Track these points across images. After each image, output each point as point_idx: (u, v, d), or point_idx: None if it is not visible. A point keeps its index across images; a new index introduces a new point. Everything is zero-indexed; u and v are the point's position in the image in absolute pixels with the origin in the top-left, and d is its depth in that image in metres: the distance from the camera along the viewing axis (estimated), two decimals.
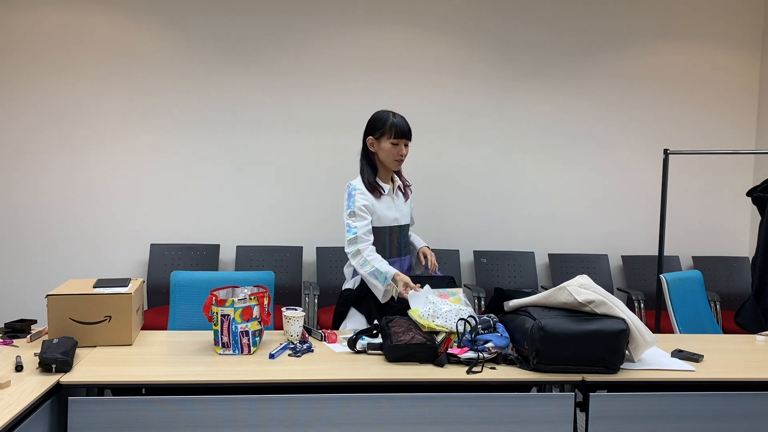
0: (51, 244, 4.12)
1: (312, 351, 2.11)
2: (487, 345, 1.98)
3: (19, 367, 1.82)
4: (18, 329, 2.19)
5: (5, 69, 4.03)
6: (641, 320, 2.32)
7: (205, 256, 4.15)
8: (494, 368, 1.95)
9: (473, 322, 2.03)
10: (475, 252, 4.39)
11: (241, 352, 2.04)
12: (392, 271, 2.32)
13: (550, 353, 1.88)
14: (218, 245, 4.20)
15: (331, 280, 4.13)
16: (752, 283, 3.29)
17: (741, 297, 4.28)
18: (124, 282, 2.20)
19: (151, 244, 4.13)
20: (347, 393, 1.82)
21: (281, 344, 2.15)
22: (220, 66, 4.19)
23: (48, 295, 2.03)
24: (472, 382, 1.89)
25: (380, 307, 2.39)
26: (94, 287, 2.12)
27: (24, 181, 4.09)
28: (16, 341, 2.12)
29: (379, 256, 2.37)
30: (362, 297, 2.43)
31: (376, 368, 1.93)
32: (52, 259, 4.12)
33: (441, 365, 1.95)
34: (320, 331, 2.25)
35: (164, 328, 2.79)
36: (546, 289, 2.08)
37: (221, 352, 2.04)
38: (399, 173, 2.59)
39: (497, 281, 4.30)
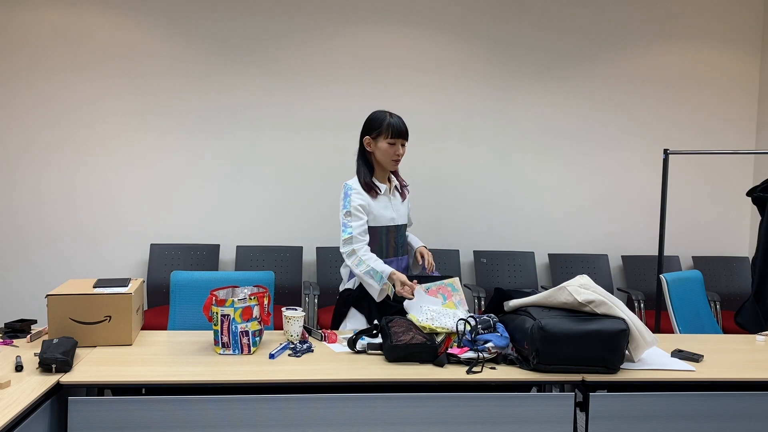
0: (51, 244, 4.12)
1: (312, 351, 2.11)
2: (487, 345, 1.98)
3: (19, 367, 1.82)
4: (18, 329, 2.19)
5: (5, 69, 4.03)
6: (641, 320, 2.32)
7: (205, 256, 4.15)
8: (494, 368, 1.95)
9: (473, 322, 2.03)
10: (475, 252, 4.39)
11: (241, 352, 2.04)
12: (388, 270, 2.33)
13: (550, 353, 1.88)
14: (218, 245, 4.20)
15: (331, 280, 4.12)
16: (752, 283, 3.29)
17: (741, 297, 4.28)
18: (124, 282, 2.20)
19: (151, 244, 4.13)
20: (347, 393, 1.82)
21: (281, 344, 2.15)
22: (220, 66, 4.19)
23: (48, 295, 2.03)
24: (472, 382, 1.89)
25: (380, 307, 2.39)
26: (94, 287, 2.12)
27: (24, 181, 4.09)
28: (16, 341, 2.12)
29: (374, 256, 2.37)
30: (362, 297, 2.43)
31: (375, 368, 1.93)
32: (52, 259, 4.12)
33: (441, 365, 1.95)
34: (320, 331, 2.25)
35: (164, 328, 2.79)
36: (546, 289, 2.08)
37: (221, 352, 2.04)
38: (396, 173, 2.59)
39: (497, 281, 4.30)
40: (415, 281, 2.29)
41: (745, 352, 2.26)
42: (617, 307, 1.96)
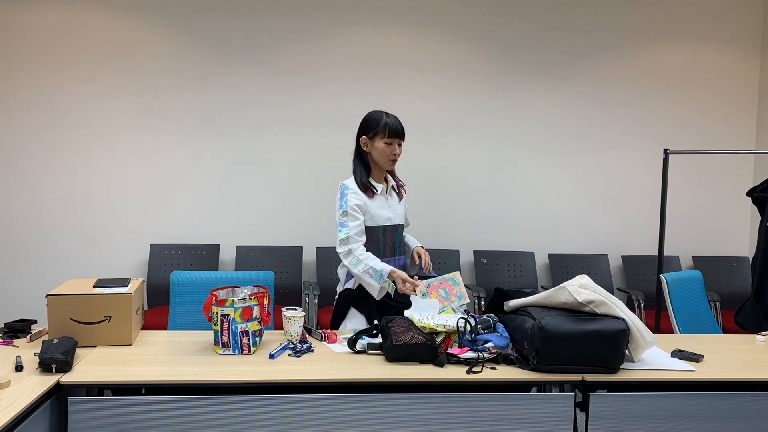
0: (51, 244, 4.12)
1: (312, 351, 2.11)
2: (487, 345, 1.98)
3: (19, 367, 1.82)
4: (18, 329, 2.19)
5: (5, 69, 4.03)
6: (641, 320, 2.32)
7: (205, 256, 4.16)
8: (494, 368, 1.95)
9: (473, 321, 2.03)
10: (475, 252, 4.39)
11: (241, 352, 2.04)
12: (387, 267, 2.34)
13: (550, 353, 1.88)
14: (218, 245, 4.20)
15: (331, 280, 4.12)
16: (752, 283, 3.29)
17: (741, 297, 4.28)
18: (124, 282, 2.20)
19: (151, 244, 4.13)
20: (347, 393, 1.82)
21: (281, 344, 2.15)
22: (220, 66, 4.19)
23: (48, 295, 2.03)
24: (472, 382, 1.89)
25: (380, 307, 2.40)
26: (94, 287, 2.12)
27: (24, 181, 4.09)
28: (16, 341, 2.12)
29: (371, 255, 2.38)
30: (362, 297, 2.43)
31: (375, 368, 1.93)
32: (52, 259, 4.12)
33: (441, 365, 1.95)
34: (320, 331, 2.25)
35: (164, 328, 2.79)
36: (546, 289, 2.08)
37: (221, 352, 2.04)
38: (392, 173, 2.59)
39: (497, 281, 4.30)
40: (416, 277, 2.30)
41: (745, 352, 2.25)
42: (617, 307, 1.96)
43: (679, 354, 2.14)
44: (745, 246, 4.65)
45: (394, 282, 2.34)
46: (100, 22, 4.08)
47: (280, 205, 4.30)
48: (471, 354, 1.96)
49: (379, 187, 2.48)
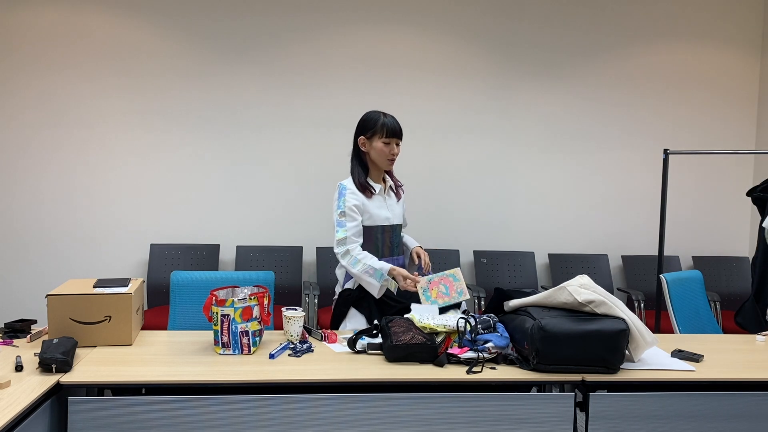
0: (51, 244, 4.12)
1: (312, 351, 2.11)
2: (487, 345, 1.98)
3: (19, 367, 1.82)
4: (18, 329, 2.19)
5: (5, 69, 4.03)
6: (641, 320, 2.32)
7: (205, 256, 4.16)
8: (494, 368, 1.95)
9: (473, 321, 2.03)
10: (475, 252, 4.39)
11: (241, 352, 2.04)
12: (387, 266, 2.34)
13: (550, 353, 1.88)
14: (218, 245, 4.20)
15: (331, 280, 4.12)
16: (752, 283, 3.29)
17: (741, 297, 4.28)
18: (124, 282, 2.20)
19: (151, 244, 4.13)
20: (347, 393, 1.82)
21: (281, 344, 2.15)
22: (220, 66, 4.19)
23: (48, 295, 2.03)
24: (472, 382, 1.89)
25: (380, 307, 2.40)
26: (94, 287, 2.12)
27: (24, 181, 4.09)
28: (16, 341, 2.12)
29: (368, 254, 2.38)
30: (362, 297, 2.43)
31: (375, 368, 1.93)
32: (52, 259, 4.12)
33: (441, 365, 1.95)
34: (320, 331, 2.25)
35: (164, 328, 2.79)
36: (546, 289, 2.08)
37: (221, 352, 2.04)
38: (390, 173, 2.60)
39: (497, 281, 4.30)
40: (416, 273, 2.30)
41: (745, 352, 2.25)
42: (617, 307, 1.96)
43: (679, 354, 2.14)
44: (745, 246, 4.65)
45: (394, 279, 2.34)
46: (100, 22, 4.08)
47: (281, 205, 4.30)
48: (471, 354, 1.96)
49: (377, 187, 2.48)
